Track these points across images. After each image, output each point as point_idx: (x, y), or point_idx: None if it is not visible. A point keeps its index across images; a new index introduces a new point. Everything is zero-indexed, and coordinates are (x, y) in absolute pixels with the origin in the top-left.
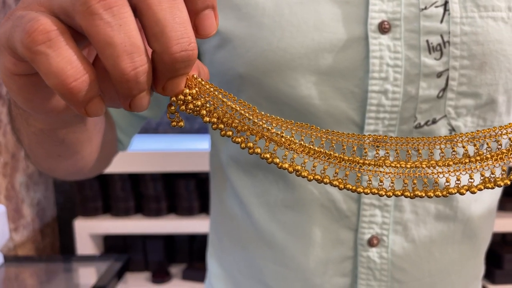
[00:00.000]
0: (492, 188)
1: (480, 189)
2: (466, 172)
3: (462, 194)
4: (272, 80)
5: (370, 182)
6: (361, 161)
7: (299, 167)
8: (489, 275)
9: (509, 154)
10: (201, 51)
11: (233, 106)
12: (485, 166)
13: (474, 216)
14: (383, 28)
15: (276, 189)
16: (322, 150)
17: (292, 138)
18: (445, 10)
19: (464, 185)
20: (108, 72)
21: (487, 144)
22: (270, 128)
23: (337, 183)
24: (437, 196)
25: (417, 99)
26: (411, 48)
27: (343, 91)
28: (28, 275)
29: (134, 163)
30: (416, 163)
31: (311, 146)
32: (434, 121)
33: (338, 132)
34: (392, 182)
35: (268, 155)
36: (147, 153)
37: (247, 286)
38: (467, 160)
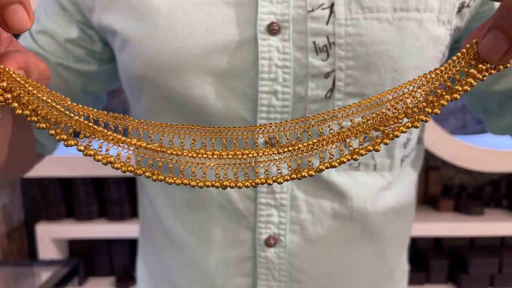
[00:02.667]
0: (299, 178)
1: (286, 180)
2: (274, 163)
3: (269, 184)
4: (167, 80)
5: (193, 174)
6: (180, 153)
7: (113, 159)
8: (455, 280)
9: (309, 148)
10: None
11: (44, 98)
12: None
13: (372, 215)
14: (272, 30)
15: (180, 189)
16: (133, 141)
17: (106, 130)
18: (331, 12)
19: (273, 176)
20: None
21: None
22: (83, 120)
23: (150, 174)
24: (251, 185)
25: (306, 100)
26: (299, 49)
27: (236, 92)
28: None
29: (97, 167)
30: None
31: (126, 139)
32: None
33: (152, 122)
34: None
35: (82, 148)
36: None
37: (163, 287)
38: (276, 151)
